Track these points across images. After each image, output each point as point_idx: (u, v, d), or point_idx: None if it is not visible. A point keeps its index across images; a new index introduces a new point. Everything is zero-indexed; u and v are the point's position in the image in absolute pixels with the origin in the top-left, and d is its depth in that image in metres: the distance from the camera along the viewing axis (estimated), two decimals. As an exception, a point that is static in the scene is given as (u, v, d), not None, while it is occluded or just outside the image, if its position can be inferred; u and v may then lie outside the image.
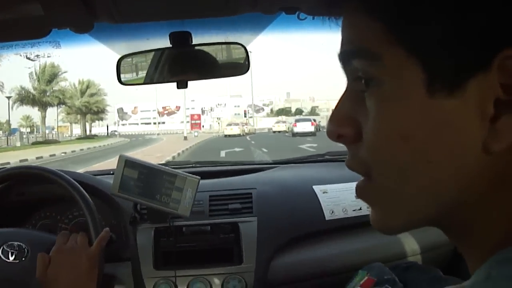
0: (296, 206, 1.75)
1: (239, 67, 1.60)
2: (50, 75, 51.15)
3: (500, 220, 0.44)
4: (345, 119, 0.48)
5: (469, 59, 0.41)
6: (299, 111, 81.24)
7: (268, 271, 1.61)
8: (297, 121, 41.33)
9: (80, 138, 53.41)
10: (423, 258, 1.70)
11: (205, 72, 1.61)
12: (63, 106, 57.53)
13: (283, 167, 2.16)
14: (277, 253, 1.64)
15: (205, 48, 1.59)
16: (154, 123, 74.76)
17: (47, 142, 43.13)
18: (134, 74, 1.62)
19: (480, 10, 0.41)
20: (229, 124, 48.19)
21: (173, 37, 1.48)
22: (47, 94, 51.56)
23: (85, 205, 1.51)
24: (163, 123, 77.82)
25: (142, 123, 75.51)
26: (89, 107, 57.82)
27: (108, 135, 55.46)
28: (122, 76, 1.57)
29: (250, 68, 1.58)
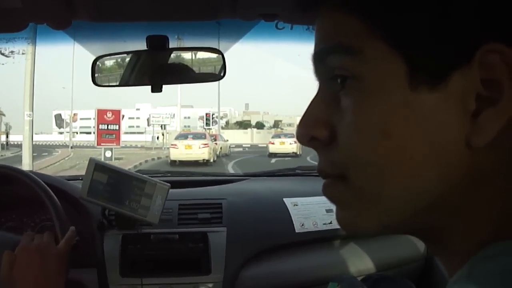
0: (266, 217, 1.74)
1: (215, 73, 1.59)
2: None
3: (480, 219, 0.44)
4: (318, 121, 0.47)
5: (451, 53, 0.41)
6: (260, 125, 76.39)
7: (236, 282, 1.59)
8: (274, 137, 29.14)
9: None
10: (393, 273, 1.70)
11: (180, 76, 1.60)
12: None
13: (253, 179, 2.16)
14: (246, 264, 1.61)
15: (181, 53, 1.58)
16: (94, 133, 68.74)
17: None
18: (109, 76, 1.59)
19: (461, 3, 0.41)
20: (182, 136, 24.38)
21: (150, 40, 1.46)
22: None
23: (53, 207, 1.48)
24: None
25: (81, 132, 66.72)
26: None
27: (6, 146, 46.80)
28: (96, 77, 1.54)
29: (225, 74, 1.56)
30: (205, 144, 22.05)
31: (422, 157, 0.42)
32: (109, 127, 20.54)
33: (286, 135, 28.02)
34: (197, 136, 24.02)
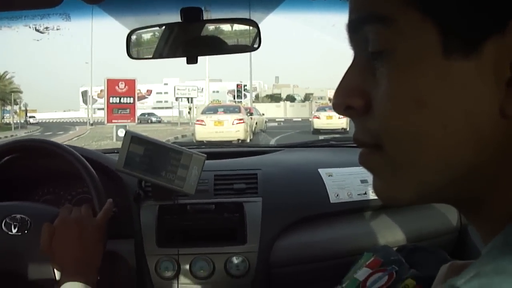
0: (301, 188, 1.74)
1: (250, 43, 1.58)
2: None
3: None
4: (354, 90, 0.47)
5: (485, 21, 0.40)
6: (291, 98, 73.62)
7: (271, 252, 1.60)
8: (319, 110, 24.81)
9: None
10: (427, 244, 1.70)
11: (215, 47, 1.60)
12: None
13: (288, 150, 2.15)
14: (281, 234, 1.63)
15: (215, 25, 1.58)
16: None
17: None
18: (144, 48, 1.60)
19: None
20: (211, 110, 20.49)
21: (184, 12, 1.47)
22: None
23: (90, 179, 1.50)
24: None
25: None
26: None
27: (27, 123, 42.95)
28: (131, 50, 1.55)
29: (260, 45, 1.56)
30: (240, 120, 18.05)
31: (456, 126, 0.42)
32: (121, 101, 17.23)
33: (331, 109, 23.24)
34: (230, 109, 20.41)
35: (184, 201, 1.63)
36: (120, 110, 17.28)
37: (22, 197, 1.72)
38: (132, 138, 1.52)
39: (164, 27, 1.56)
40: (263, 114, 26.99)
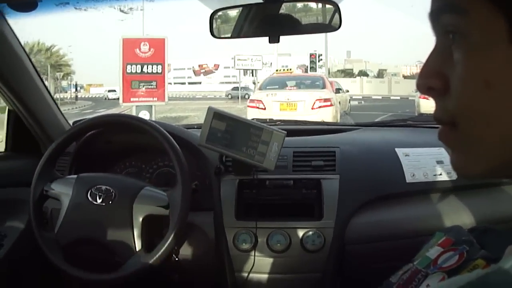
0: (378, 167, 1.76)
1: (330, 23, 1.59)
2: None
3: None
4: (434, 73, 0.52)
5: None
6: (363, 73, 66.93)
7: (347, 228, 1.63)
8: None
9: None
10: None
11: (296, 27, 1.61)
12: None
13: (366, 129, 2.16)
14: (357, 212, 1.65)
15: (296, 4, 1.59)
16: (189, 83, 62.25)
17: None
18: (225, 27, 1.64)
19: None
20: (275, 83, 12.42)
21: (265, -8, 1.49)
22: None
23: (174, 153, 1.56)
24: (199, 83, 63.80)
25: (175, 83, 60.49)
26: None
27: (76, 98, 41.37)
28: (214, 29, 1.59)
29: (341, 25, 1.56)
30: (327, 101, 10.80)
31: None
32: (144, 70, 10.83)
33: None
34: (307, 82, 12.50)
35: (263, 176, 1.67)
36: (142, 84, 10.94)
37: (104, 170, 1.81)
38: (215, 114, 1.57)
39: (245, 7, 1.59)
40: (348, 91, 18.67)
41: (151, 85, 10.95)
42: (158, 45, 10.99)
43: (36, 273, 1.87)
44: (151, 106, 10.84)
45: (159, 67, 11.00)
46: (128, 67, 10.78)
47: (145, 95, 10.95)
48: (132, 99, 10.90)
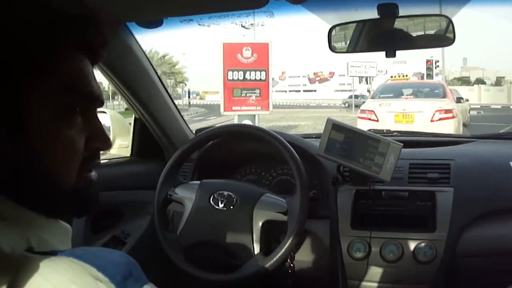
0: (492, 180, 1.73)
1: (445, 38, 1.61)
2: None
3: None
4: None
5: None
6: (480, 81, 62.66)
7: (459, 241, 1.62)
8: None
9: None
10: None
11: (411, 42, 1.65)
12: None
13: (481, 141, 2.12)
14: (469, 225, 1.64)
15: (410, 19, 1.63)
16: (304, 91, 60.36)
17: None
18: (343, 42, 1.70)
19: None
20: (390, 90, 11.45)
21: (381, 8, 1.53)
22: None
23: (295, 164, 1.62)
24: (314, 91, 60.89)
25: (290, 91, 60.36)
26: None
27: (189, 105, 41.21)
28: (332, 44, 1.66)
29: (455, 40, 1.57)
30: (448, 112, 9.74)
31: None
32: (246, 77, 9.85)
33: None
34: (425, 90, 11.43)
35: (379, 187, 1.70)
36: (244, 92, 9.92)
37: (225, 176, 1.92)
38: (333, 126, 1.63)
39: (361, 22, 1.64)
40: (467, 100, 16.18)
41: (255, 92, 9.91)
42: (262, 50, 9.91)
43: (154, 272, 2.00)
44: (254, 115, 9.77)
45: (263, 73, 9.90)
46: (230, 73, 9.84)
47: (248, 104, 9.94)
48: (233, 108, 9.91)
